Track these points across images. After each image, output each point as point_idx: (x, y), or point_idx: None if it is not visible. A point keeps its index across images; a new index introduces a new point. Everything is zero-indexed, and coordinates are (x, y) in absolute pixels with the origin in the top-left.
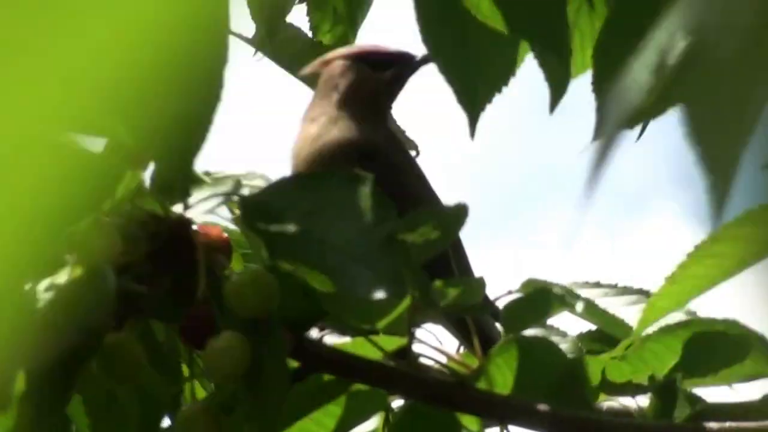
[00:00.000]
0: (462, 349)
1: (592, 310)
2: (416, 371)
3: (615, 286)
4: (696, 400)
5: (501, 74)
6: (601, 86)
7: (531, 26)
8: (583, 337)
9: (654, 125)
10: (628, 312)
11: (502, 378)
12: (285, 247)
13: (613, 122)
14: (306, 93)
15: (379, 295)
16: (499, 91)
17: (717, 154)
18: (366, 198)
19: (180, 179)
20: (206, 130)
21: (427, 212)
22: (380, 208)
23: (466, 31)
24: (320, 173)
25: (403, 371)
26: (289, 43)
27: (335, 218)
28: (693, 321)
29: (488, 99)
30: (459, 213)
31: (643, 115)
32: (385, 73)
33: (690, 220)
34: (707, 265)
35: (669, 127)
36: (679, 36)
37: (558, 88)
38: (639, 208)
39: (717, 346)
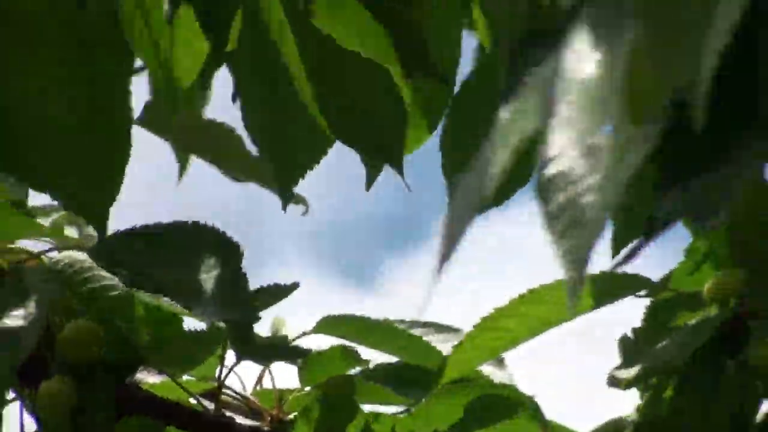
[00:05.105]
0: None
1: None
2: (224, 417)
3: (423, 324)
4: None
5: (318, 145)
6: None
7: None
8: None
9: None
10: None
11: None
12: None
13: (468, 208)
14: None
15: (232, 318)
16: (317, 162)
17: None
18: (208, 242)
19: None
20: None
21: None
22: (225, 248)
23: (279, 99)
24: (161, 224)
25: (211, 417)
26: None
27: (176, 264)
28: (475, 384)
29: (302, 174)
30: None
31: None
32: None
33: None
34: (490, 338)
35: None
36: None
37: (374, 168)
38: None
39: (493, 407)
